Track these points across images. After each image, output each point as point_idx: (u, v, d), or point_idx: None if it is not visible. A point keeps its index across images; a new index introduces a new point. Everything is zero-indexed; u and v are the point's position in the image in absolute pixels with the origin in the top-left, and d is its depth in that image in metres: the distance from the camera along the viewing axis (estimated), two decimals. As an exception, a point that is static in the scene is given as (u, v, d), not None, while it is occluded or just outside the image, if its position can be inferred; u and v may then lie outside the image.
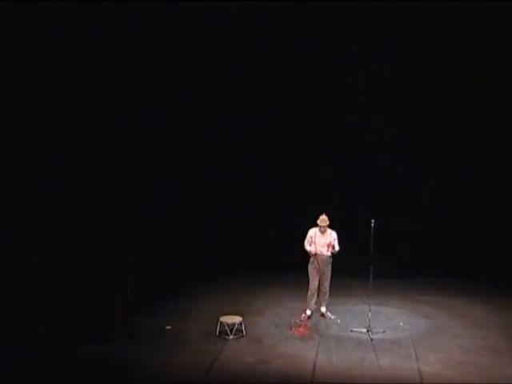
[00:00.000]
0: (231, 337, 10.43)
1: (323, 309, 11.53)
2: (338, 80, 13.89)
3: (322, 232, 11.21)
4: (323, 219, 11.15)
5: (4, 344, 9.59)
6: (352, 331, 10.80)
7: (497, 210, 13.65)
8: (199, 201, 13.89)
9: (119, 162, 10.63)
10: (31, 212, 10.47)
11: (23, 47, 10.23)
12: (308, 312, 11.44)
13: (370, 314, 10.72)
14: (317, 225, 11.22)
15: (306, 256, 11.34)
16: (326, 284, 11.35)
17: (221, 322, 10.55)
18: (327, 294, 11.45)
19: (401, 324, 11.25)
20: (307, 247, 11.29)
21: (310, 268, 11.35)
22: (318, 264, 11.21)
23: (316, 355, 9.84)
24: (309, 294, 11.42)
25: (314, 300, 11.44)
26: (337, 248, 11.26)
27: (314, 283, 11.35)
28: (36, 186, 10.41)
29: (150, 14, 11.23)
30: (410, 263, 13.75)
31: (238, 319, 10.63)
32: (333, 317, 11.48)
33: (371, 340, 10.41)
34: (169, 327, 10.89)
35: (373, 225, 10.75)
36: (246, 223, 14.35)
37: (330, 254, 11.21)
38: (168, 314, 11.42)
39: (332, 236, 11.27)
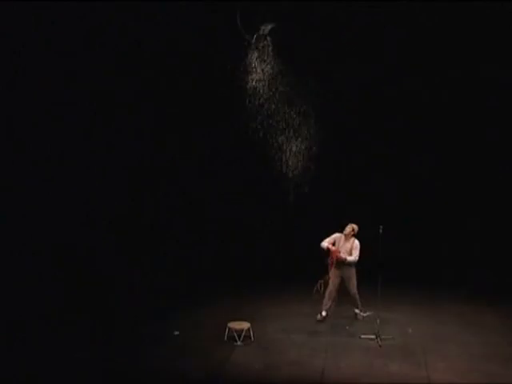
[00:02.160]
0: (239, 343, 10.39)
1: (356, 310, 11.65)
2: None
3: (346, 239, 11.34)
4: (349, 228, 11.32)
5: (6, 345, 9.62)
6: (361, 338, 10.74)
7: (505, 216, 13.60)
8: (204, 204, 13.86)
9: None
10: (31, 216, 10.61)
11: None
12: (323, 313, 11.52)
13: (378, 320, 10.67)
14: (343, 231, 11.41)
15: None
16: (352, 288, 11.43)
17: (229, 328, 10.52)
18: (357, 298, 11.53)
19: (410, 331, 11.16)
20: (323, 243, 11.37)
21: (330, 274, 11.47)
22: (333, 264, 11.33)
23: (324, 361, 9.78)
24: (326, 295, 11.52)
25: (330, 303, 11.50)
26: (350, 258, 11.22)
27: (330, 285, 11.46)
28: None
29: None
30: (419, 270, 13.68)
31: (246, 325, 10.59)
32: (364, 314, 11.62)
33: (380, 347, 10.37)
34: (177, 333, 10.86)
35: (381, 231, 10.72)
36: (250, 228, 14.31)
37: (349, 259, 11.23)
38: (176, 319, 11.39)
39: (354, 244, 11.31)
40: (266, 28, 11.69)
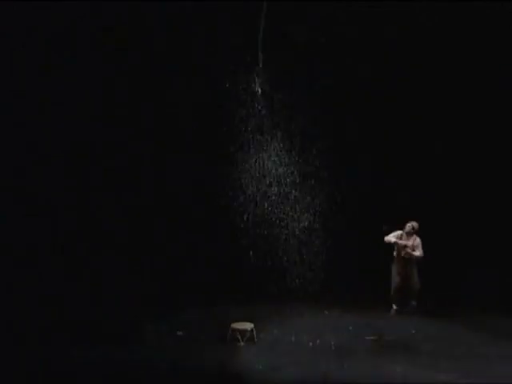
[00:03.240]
0: (242, 343, 10.37)
1: (413, 303, 12.01)
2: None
3: (408, 237, 11.93)
4: (409, 225, 11.96)
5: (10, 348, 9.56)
6: (365, 338, 10.72)
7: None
8: (205, 205, 13.81)
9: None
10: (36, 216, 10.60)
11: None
12: (394, 307, 12.00)
13: (382, 321, 10.66)
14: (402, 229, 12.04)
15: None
16: (414, 281, 11.97)
17: (232, 329, 10.49)
18: (416, 290, 12.00)
19: (413, 332, 11.16)
20: (391, 238, 11.98)
21: (393, 268, 12.04)
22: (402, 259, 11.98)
23: (327, 362, 9.71)
24: (392, 292, 12.02)
25: (397, 298, 12.00)
26: (416, 253, 11.85)
27: (394, 281, 12.00)
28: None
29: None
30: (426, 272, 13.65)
31: (249, 326, 10.57)
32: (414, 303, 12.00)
33: (384, 347, 10.33)
34: (180, 333, 10.83)
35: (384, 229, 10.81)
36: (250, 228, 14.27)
37: (416, 254, 11.84)
38: (179, 319, 11.35)
39: (416, 241, 11.91)
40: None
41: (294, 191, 12.98)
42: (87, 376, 9.13)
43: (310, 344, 10.47)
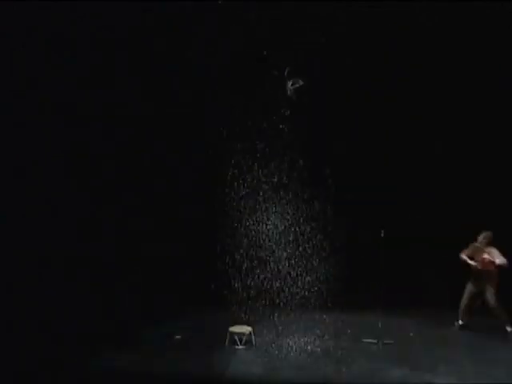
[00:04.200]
0: (240, 347, 10.39)
1: (508, 328, 11.25)
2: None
3: (483, 249, 11.29)
4: (484, 235, 11.31)
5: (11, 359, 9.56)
6: (363, 342, 10.76)
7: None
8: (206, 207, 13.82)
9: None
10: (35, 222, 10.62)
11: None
12: (460, 322, 11.64)
13: (380, 324, 10.67)
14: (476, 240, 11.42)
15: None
16: (491, 300, 11.20)
17: (230, 332, 10.52)
18: (496, 310, 11.20)
19: (411, 334, 11.20)
20: (466, 258, 11.38)
21: (468, 284, 11.54)
22: (475, 278, 11.40)
23: (326, 366, 9.77)
24: (461, 306, 11.63)
25: (464, 314, 11.59)
26: (498, 260, 11.01)
27: (464, 297, 11.55)
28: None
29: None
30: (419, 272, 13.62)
31: (247, 329, 10.60)
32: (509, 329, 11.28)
33: (382, 351, 10.37)
34: (178, 337, 10.85)
35: (382, 235, 10.73)
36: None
37: (498, 261, 11.00)
38: (177, 323, 11.36)
39: (492, 251, 11.18)
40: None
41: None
42: (86, 379, 9.16)
43: (309, 348, 10.49)
